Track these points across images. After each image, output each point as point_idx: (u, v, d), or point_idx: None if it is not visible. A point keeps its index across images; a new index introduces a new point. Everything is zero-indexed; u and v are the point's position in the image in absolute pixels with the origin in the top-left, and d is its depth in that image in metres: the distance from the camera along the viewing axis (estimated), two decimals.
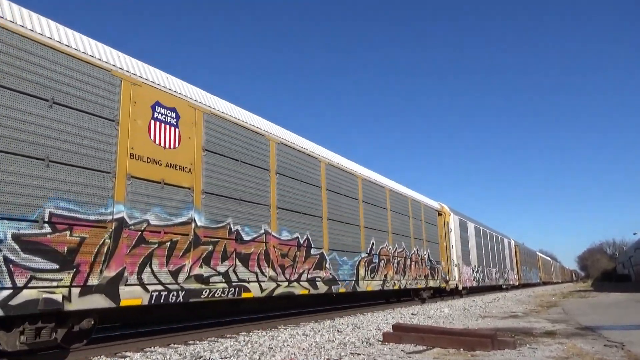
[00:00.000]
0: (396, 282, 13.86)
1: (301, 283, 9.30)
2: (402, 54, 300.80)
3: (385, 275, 13.20)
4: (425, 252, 16.63)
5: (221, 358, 5.38)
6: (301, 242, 9.45)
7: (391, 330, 6.79)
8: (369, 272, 12.20)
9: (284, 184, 9.20)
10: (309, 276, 9.58)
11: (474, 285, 23.26)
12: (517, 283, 36.74)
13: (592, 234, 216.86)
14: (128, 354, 5.77)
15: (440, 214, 19.34)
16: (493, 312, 12.33)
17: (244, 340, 6.86)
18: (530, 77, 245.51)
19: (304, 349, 5.98)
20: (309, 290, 9.56)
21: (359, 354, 5.46)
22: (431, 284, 16.95)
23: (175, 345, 6.49)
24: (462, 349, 5.68)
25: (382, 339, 6.60)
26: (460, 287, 20.11)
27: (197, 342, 6.89)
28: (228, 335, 7.54)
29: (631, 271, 68.65)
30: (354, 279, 11.42)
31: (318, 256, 9.98)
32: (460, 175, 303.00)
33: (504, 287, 32.56)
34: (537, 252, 57.23)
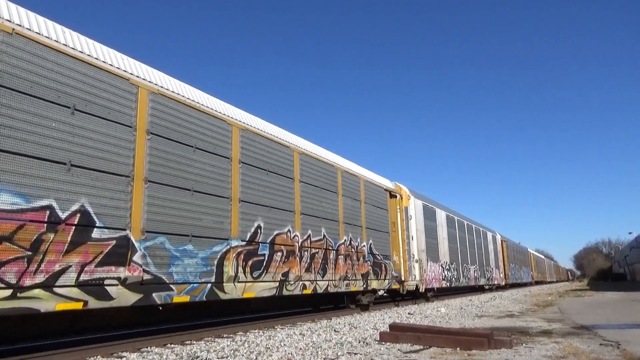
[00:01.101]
0: (308, 283, 9.68)
1: (57, 290, 5.09)
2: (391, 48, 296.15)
3: (286, 274, 9.02)
4: (364, 244, 12.45)
5: (218, 358, 5.32)
6: (61, 216, 5.24)
7: (388, 330, 6.71)
8: (248, 270, 8.02)
9: (10, 107, 4.98)
10: (83, 277, 5.38)
11: (444, 286, 19.13)
12: (503, 283, 32.58)
13: (588, 233, 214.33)
14: (124, 354, 5.67)
15: (393, 196, 15.15)
16: (490, 312, 12.15)
17: (240, 340, 6.77)
18: (529, 73, 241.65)
19: (301, 348, 5.95)
20: (86, 302, 5.36)
21: (356, 354, 5.44)
22: (375, 285, 12.79)
23: (172, 345, 6.42)
24: (458, 349, 5.66)
25: (379, 339, 6.57)
26: (422, 289, 15.96)
27: (194, 342, 6.79)
28: (225, 335, 7.42)
29: (627, 270, 68.13)
30: (213, 279, 7.24)
31: (113, 242, 5.77)
32: (456, 175, 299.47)
33: (487, 287, 28.43)
34: (529, 249, 52.81)
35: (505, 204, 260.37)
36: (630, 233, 73.41)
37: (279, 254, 8.89)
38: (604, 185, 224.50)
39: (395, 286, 14.41)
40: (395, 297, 16.83)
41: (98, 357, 5.46)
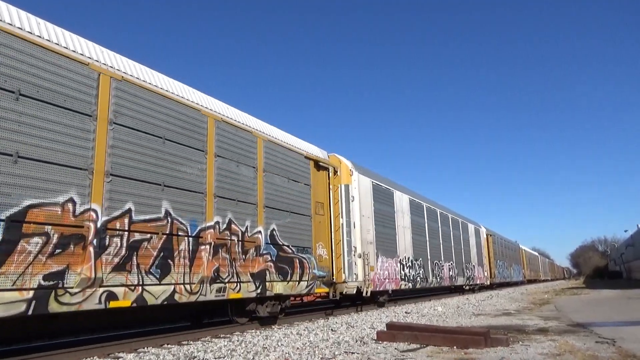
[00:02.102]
0: (122, 290, 5.82)
1: None
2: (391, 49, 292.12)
3: (57, 276, 5.15)
4: (260, 229, 8.60)
5: (215, 358, 5.27)
6: None
7: (385, 329, 6.63)
8: None
9: None
10: None
11: (405, 287, 15.32)
12: (488, 282, 28.74)
13: (584, 231, 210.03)
14: (121, 354, 5.62)
15: (323, 168, 11.31)
16: (486, 310, 12.17)
17: (237, 340, 6.67)
18: (526, 72, 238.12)
19: (298, 348, 5.89)
20: None
21: (353, 353, 5.39)
22: (280, 289, 8.93)
23: (169, 346, 6.35)
24: (455, 347, 5.61)
25: (376, 338, 6.50)
26: (366, 292, 12.14)
27: (191, 342, 6.71)
28: (222, 335, 7.33)
29: (622, 268, 67.22)
30: None
31: None
32: (452, 173, 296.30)
33: (467, 288, 24.60)
34: (521, 245, 48.36)
35: (501, 203, 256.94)
36: (626, 231, 73.79)
37: (36, 240, 5.00)
38: (600, 184, 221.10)
39: (321, 290, 10.57)
40: (342, 302, 13.05)
41: (95, 357, 5.46)
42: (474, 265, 25.50)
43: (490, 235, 31.56)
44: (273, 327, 8.73)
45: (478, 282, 26.21)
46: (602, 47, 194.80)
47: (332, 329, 7.86)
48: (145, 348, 6.16)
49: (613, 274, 69.85)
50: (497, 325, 7.99)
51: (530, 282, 49.96)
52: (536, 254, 63.94)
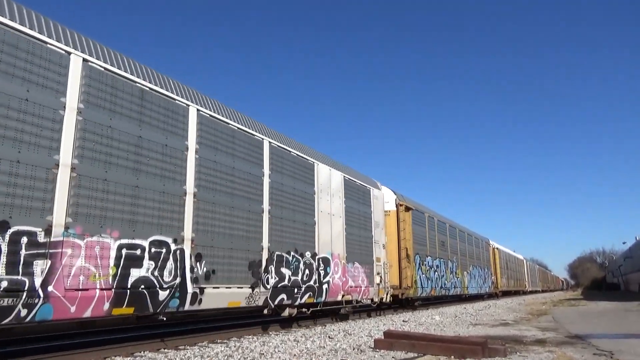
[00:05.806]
0: None
1: None
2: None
3: None
4: None
5: None
6: None
7: (382, 337, 6.56)
8: None
9: None
10: None
11: None
12: (383, 297, 13.33)
13: (582, 242, 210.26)
14: (117, 358, 5.65)
15: None
16: (484, 320, 12.01)
17: (234, 346, 6.65)
18: (524, 79, 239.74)
19: (295, 355, 5.84)
20: None
21: None
22: None
23: (166, 351, 6.32)
24: (452, 357, 5.57)
25: (373, 346, 6.45)
26: None
27: (188, 347, 6.66)
28: (219, 341, 7.35)
29: (620, 280, 66.96)
30: None
31: None
32: (449, 181, 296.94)
33: (275, 311, 9.00)
34: (492, 241, 33.36)
35: (499, 213, 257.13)
36: (624, 243, 74.57)
37: None
38: (599, 195, 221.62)
39: None
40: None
41: None
42: (322, 260, 10.48)
43: (409, 208, 16.38)
44: (270, 333, 8.64)
45: (340, 297, 11.00)
46: (602, 54, 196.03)
47: (329, 336, 7.83)
48: (142, 352, 6.11)
49: (611, 285, 69.59)
50: (495, 335, 7.96)
51: (507, 294, 36.94)
52: (521, 257, 48.22)
